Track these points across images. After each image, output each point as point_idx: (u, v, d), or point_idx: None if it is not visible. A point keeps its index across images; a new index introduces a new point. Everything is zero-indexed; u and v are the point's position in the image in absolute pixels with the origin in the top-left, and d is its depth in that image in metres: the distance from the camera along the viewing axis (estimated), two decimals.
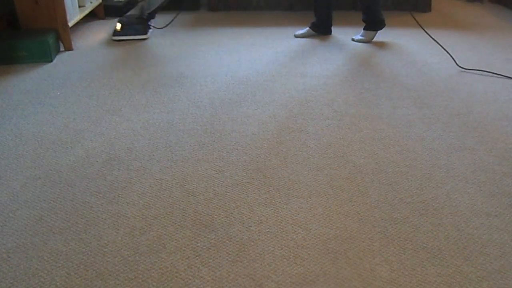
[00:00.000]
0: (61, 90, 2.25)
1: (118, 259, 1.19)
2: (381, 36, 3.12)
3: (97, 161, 1.64)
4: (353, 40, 3.05)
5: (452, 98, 2.18)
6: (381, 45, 2.97)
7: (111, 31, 3.29)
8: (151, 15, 3.13)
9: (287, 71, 2.51)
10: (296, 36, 3.14)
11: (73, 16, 2.93)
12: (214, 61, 2.66)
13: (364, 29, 3.02)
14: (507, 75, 2.44)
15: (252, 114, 2.00)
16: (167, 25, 3.35)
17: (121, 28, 2.99)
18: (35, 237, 1.27)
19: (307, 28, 3.14)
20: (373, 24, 2.96)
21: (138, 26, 3.01)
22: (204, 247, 1.23)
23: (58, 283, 1.11)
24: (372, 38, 3.02)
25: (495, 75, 2.45)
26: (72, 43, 2.89)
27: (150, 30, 3.14)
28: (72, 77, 2.41)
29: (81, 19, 3.17)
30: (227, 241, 1.25)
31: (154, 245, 1.24)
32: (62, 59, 2.69)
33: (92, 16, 3.60)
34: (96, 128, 1.88)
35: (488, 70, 2.51)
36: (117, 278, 1.13)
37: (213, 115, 1.99)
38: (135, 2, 3.75)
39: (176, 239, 1.26)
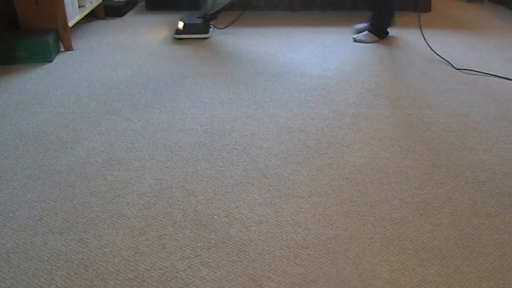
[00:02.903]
0: (61, 90, 2.25)
1: (118, 259, 1.19)
2: None
3: (97, 161, 1.64)
4: (354, 40, 3.04)
5: (452, 98, 2.17)
6: (381, 45, 2.97)
7: (111, 31, 3.28)
8: (214, 15, 3.15)
9: (287, 71, 2.51)
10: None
11: (73, 16, 2.93)
12: (214, 61, 2.66)
13: (367, 30, 3.02)
14: (506, 76, 2.44)
15: (252, 114, 2.00)
16: (229, 25, 3.35)
17: (184, 27, 3.00)
18: (35, 237, 1.27)
19: (366, 32, 3.04)
20: (378, 31, 2.98)
21: (200, 25, 3.03)
22: (204, 247, 1.23)
23: (58, 283, 1.11)
24: (374, 41, 3.01)
25: (496, 76, 2.45)
26: (72, 43, 2.89)
27: (211, 29, 3.17)
28: (72, 77, 2.41)
29: (81, 19, 3.17)
30: (227, 241, 1.25)
31: (154, 245, 1.24)
32: (62, 59, 2.69)
33: (92, 16, 3.60)
34: (96, 128, 1.88)
35: (486, 72, 2.51)
36: (117, 278, 1.13)
37: (213, 115, 1.99)
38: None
39: (176, 239, 1.26)
